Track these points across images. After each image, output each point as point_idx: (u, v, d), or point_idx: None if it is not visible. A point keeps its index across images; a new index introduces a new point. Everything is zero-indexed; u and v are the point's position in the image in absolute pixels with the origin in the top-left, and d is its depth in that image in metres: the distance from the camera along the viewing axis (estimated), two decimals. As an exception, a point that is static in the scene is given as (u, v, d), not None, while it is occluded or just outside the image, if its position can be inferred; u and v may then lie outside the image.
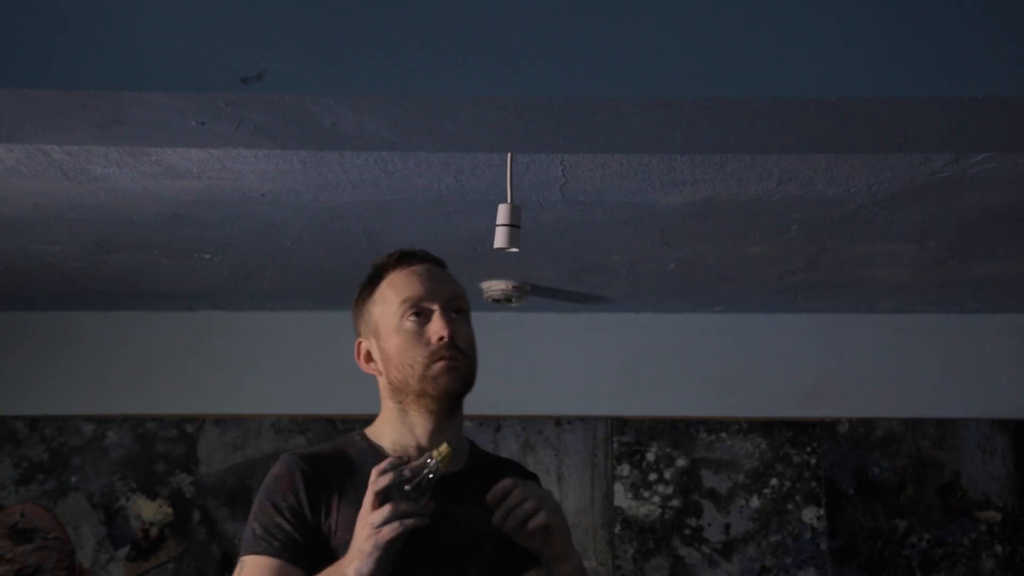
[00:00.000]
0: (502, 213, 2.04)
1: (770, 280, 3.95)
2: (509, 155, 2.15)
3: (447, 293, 1.90)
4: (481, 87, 1.80)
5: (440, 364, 1.85)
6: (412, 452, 1.86)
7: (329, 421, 4.39)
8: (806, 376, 4.53)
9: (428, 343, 1.85)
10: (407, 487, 1.67)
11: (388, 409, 1.91)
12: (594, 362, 4.53)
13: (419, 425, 1.89)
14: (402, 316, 1.86)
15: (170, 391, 4.48)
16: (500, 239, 2.05)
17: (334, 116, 1.88)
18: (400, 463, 1.71)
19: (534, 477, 2.05)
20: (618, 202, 3.00)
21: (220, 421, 4.46)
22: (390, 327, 1.87)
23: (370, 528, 1.65)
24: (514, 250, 2.07)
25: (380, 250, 3.49)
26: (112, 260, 3.65)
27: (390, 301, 1.88)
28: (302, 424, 4.44)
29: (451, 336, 1.85)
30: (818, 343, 4.54)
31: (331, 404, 4.38)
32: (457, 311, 1.90)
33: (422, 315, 1.86)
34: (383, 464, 1.70)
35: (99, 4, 1.77)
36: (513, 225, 2.01)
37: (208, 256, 3.61)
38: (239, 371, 4.48)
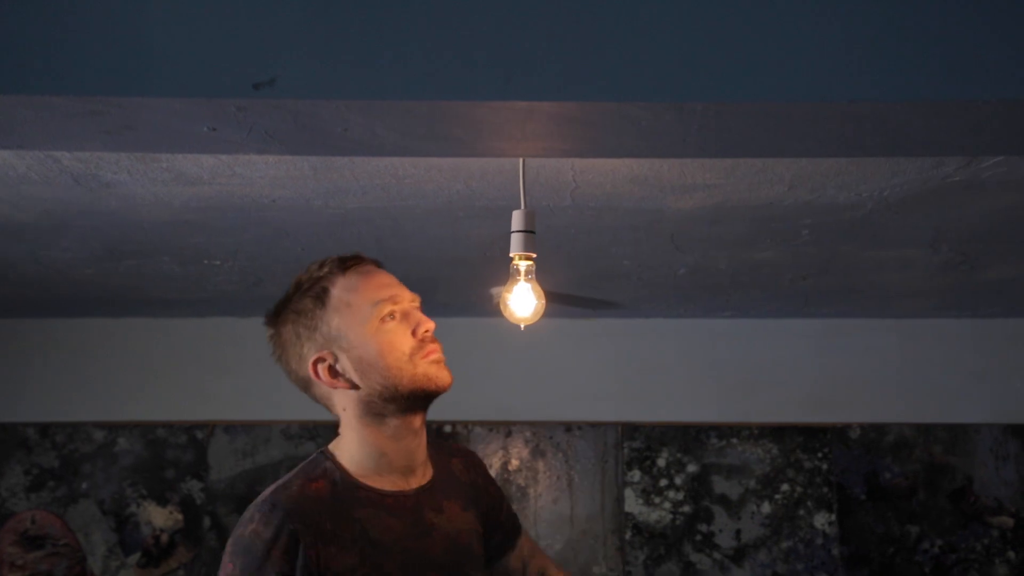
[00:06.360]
0: (516, 219, 2.04)
1: (781, 285, 3.94)
2: (522, 160, 2.15)
3: (409, 294, 1.84)
4: (491, 92, 1.79)
5: (429, 357, 1.79)
6: (395, 477, 1.80)
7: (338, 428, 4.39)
8: (817, 381, 4.52)
9: (409, 339, 1.78)
10: None
11: (360, 427, 1.82)
12: (604, 368, 4.53)
13: (401, 437, 1.81)
14: (380, 318, 1.78)
15: (180, 398, 4.49)
16: (516, 245, 2.05)
17: (345, 121, 1.88)
18: None
19: (473, 455, 2.03)
20: (628, 207, 2.99)
21: (230, 427, 4.46)
22: (362, 333, 1.78)
23: None
24: (532, 255, 2.08)
25: (390, 256, 3.51)
26: (122, 267, 3.65)
27: (356, 306, 1.78)
28: (312, 430, 4.44)
29: (433, 327, 1.81)
30: (829, 348, 4.54)
31: (341, 410, 4.38)
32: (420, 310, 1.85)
33: (395, 315, 1.79)
34: None
35: (109, 10, 1.77)
36: (528, 231, 2.01)
37: (218, 262, 3.61)
38: (249, 377, 4.48)
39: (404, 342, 1.78)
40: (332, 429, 4.83)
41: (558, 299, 4.07)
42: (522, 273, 2.13)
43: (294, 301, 1.84)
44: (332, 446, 1.86)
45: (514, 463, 4.40)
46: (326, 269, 1.82)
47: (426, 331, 1.79)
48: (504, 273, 2.22)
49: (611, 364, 4.54)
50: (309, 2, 1.78)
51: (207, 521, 4.38)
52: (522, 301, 2.14)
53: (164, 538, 4.38)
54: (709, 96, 1.80)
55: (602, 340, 4.54)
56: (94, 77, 1.75)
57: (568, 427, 4.46)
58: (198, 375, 4.50)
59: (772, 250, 3.44)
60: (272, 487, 1.77)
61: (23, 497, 4.40)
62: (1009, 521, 4.39)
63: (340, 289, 1.80)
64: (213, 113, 1.84)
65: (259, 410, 4.46)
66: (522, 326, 2.15)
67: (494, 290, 3.89)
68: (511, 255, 2.10)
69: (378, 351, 1.77)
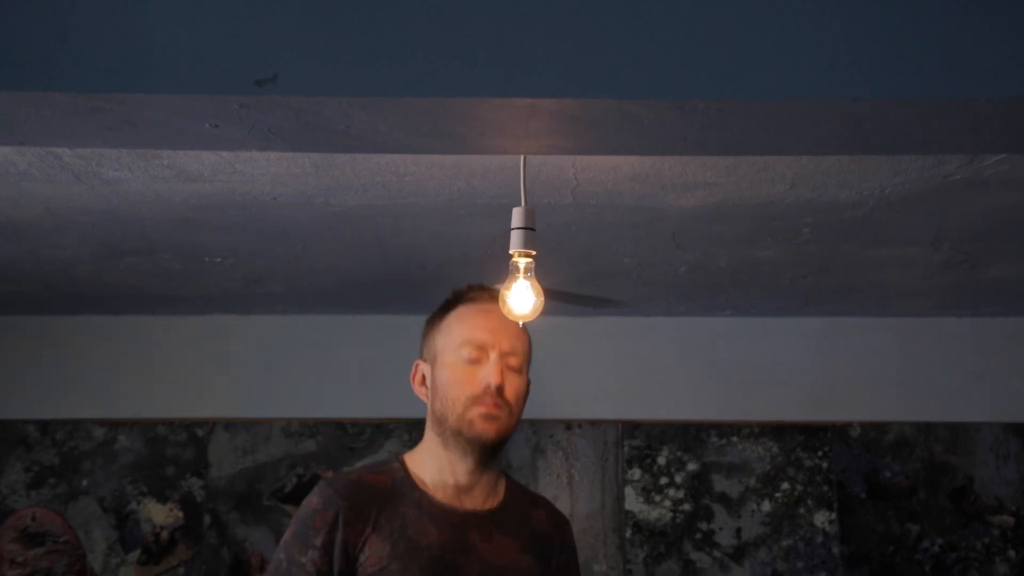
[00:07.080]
0: (517, 216, 2.04)
1: (782, 284, 3.94)
2: (523, 158, 2.15)
3: (508, 345, 1.96)
4: (493, 89, 1.80)
5: (480, 409, 1.90)
6: (449, 491, 1.89)
7: (339, 425, 4.39)
8: (817, 380, 4.52)
9: (475, 386, 1.90)
10: None
11: (430, 439, 1.96)
12: (604, 366, 4.53)
13: (457, 461, 1.93)
14: (459, 354, 1.92)
15: (180, 395, 4.48)
16: (515, 242, 2.06)
17: (347, 119, 1.88)
18: None
19: (565, 522, 2.07)
20: (629, 205, 2.99)
21: (230, 425, 4.46)
22: (446, 360, 1.94)
23: None
24: (531, 252, 2.09)
25: (391, 254, 3.52)
26: (123, 264, 3.65)
27: (453, 335, 1.95)
28: (312, 428, 4.44)
29: (500, 385, 1.88)
30: (830, 347, 4.53)
31: (341, 408, 4.38)
32: (511, 366, 1.96)
33: (478, 358, 1.92)
34: None
35: (111, 6, 1.77)
36: (528, 228, 2.02)
37: (219, 260, 3.61)
38: (249, 375, 4.48)
39: (470, 386, 1.92)
40: (332, 426, 4.83)
41: (558, 297, 4.07)
42: (521, 270, 2.14)
43: (439, 308, 2.03)
44: (408, 453, 2.00)
45: (514, 461, 4.40)
46: (465, 291, 2.02)
47: (487, 385, 1.91)
48: (505, 271, 2.22)
49: (611, 362, 4.54)
50: (311, -1, 1.78)
51: (207, 519, 4.38)
52: (521, 298, 2.14)
53: (164, 535, 4.38)
54: (711, 94, 1.81)
55: (602, 338, 4.54)
56: (95, 73, 1.75)
57: (568, 425, 4.46)
58: (198, 372, 4.50)
59: (773, 248, 3.44)
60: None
61: (23, 494, 4.40)
62: (1010, 520, 4.39)
63: (455, 315, 1.98)
64: (215, 110, 1.84)
65: (259, 407, 4.46)
66: (521, 323, 2.15)
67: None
68: (511, 252, 2.11)
69: (447, 381, 1.93)
